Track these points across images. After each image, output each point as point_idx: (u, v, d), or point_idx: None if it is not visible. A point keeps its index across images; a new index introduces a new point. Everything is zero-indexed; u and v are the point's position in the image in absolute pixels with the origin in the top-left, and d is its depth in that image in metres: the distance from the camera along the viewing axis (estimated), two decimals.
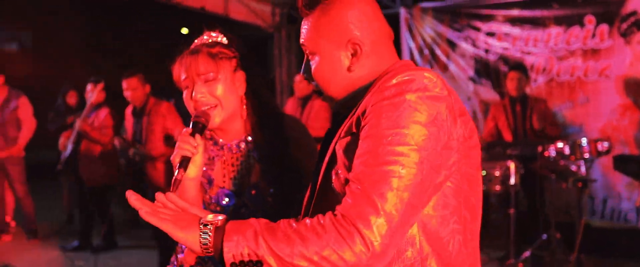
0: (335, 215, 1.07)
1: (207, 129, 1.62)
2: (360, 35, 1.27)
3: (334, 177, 1.25)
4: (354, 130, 1.24)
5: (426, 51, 6.96)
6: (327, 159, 1.29)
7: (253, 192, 1.78)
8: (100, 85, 5.45)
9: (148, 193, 4.54)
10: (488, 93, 6.47)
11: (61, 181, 7.21)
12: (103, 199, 5.86)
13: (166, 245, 4.36)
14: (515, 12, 6.12)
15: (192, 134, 1.52)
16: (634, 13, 5.33)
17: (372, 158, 1.14)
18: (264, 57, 11.03)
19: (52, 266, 5.24)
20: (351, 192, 1.12)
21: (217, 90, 1.62)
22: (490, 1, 6.25)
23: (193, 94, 1.61)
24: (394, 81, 1.17)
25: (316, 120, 5.56)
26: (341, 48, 1.29)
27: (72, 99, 6.23)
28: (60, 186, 7.36)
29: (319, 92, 1.40)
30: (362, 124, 1.21)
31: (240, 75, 1.71)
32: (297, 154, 1.76)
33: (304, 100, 5.75)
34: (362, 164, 1.15)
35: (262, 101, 1.79)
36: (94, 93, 5.44)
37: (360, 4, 1.30)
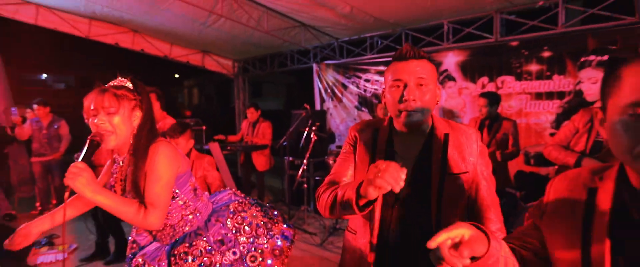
0: None
1: (101, 147, 1.39)
2: None
3: (451, 182, 1.20)
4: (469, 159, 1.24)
5: (329, 90, 6.99)
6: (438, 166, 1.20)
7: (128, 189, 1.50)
8: None
9: None
10: (367, 116, 6.50)
11: None
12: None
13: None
14: (381, 68, 6.22)
15: (86, 153, 1.32)
16: (445, 70, 5.44)
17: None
18: (228, 93, 10.84)
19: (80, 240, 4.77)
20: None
21: (114, 121, 1.39)
22: (366, 61, 6.33)
23: (96, 120, 1.38)
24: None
25: (262, 134, 5.51)
26: (437, 88, 1.25)
27: None
28: None
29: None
30: (480, 165, 1.25)
31: (137, 114, 1.46)
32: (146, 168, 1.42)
33: (254, 123, 5.61)
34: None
35: (142, 133, 1.46)
36: None
37: None
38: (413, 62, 1.19)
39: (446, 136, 1.23)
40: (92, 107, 1.39)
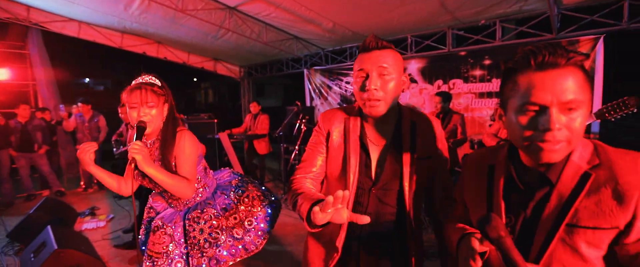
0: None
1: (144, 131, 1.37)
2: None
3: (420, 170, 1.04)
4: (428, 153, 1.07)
5: (317, 90, 7.00)
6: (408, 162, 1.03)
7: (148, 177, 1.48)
8: None
9: None
10: None
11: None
12: None
13: None
14: None
15: (138, 135, 1.31)
16: (409, 74, 5.41)
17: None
18: (236, 93, 10.77)
19: (116, 206, 4.84)
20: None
21: (152, 112, 1.39)
22: (346, 66, 6.35)
23: (139, 112, 1.37)
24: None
25: (261, 124, 5.53)
26: (402, 76, 1.04)
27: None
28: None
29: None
30: (440, 149, 1.09)
31: (166, 106, 1.46)
32: (175, 150, 1.44)
33: (255, 115, 5.63)
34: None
35: (169, 122, 1.47)
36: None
37: None
38: (375, 53, 1.00)
39: (413, 123, 1.07)
40: (134, 101, 1.37)
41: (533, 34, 4.23)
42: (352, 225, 1.06)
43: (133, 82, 1.41)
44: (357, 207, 1.07)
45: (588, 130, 3.97)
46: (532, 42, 4.26)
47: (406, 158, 1.03)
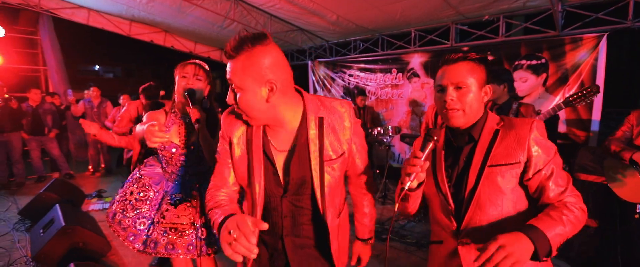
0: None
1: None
2: (274, 77, 0.89)
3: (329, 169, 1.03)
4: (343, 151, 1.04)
5: (321, 82, 7.01)
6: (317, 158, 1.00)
7: (192, 147, 1.64)
8: None
9: None
10: None
11: None
12: None
13: None
14: (361, 66, 6.23)
15: (192, 100, 1.52)
16: (412, 69, 5.52)
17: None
18: None
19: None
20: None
21: (201, 86, 1.61)
22: (350, 59, 6.37)
23: (188, 82, 1.57)
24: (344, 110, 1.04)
25: None
26: (262, 85, 0.89)
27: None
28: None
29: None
30: (354, 141, 1.07)
31: (208, 88, 1.66)
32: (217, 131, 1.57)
33: None
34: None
35: (213, 103, 1.69)
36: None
37: (273, 53, 0.90)
38: (230, 63, 0.91)
39: (321, 121, 0.99)
40: (186, 75, 1.58)
41: (537, 30, 4.21)
42: (274, 226, 1.04)
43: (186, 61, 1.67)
44: (272, 212, 1.03)
45: (588, 129, 3.98)
46: (536, 39, 4.25)
47: (314, 163, 0.97)
